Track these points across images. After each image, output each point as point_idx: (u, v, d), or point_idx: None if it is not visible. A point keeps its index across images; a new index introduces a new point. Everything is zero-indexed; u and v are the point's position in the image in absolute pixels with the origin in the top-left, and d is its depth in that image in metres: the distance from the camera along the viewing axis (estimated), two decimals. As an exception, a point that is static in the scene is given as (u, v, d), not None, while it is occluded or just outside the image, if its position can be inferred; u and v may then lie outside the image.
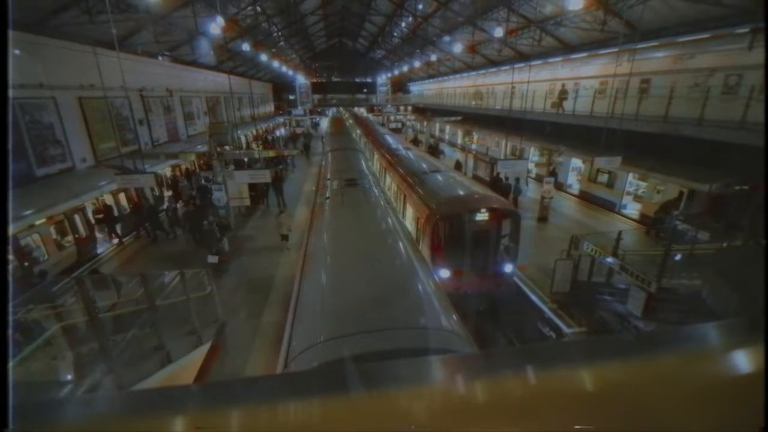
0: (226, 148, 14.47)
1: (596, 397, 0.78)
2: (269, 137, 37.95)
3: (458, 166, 22.59)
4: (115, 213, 13.82)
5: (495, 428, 0.70)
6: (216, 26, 18.20)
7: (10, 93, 0.84)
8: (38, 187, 11.81)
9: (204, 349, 6.32)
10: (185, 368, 5.63)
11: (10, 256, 8.70)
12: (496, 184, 16.50)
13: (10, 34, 0.87)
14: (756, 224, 8.60)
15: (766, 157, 3.98)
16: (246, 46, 26.13)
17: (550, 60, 23.29)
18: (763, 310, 0.86)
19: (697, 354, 0.92)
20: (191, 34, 21.49)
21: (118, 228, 13.64)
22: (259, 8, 26.10)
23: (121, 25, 15.81)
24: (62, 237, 11.86)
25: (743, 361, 0.88)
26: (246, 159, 19.05)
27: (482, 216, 9.12)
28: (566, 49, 22.00)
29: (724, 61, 13.09)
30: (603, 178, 17.24)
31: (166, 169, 18.80)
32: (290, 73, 46.97)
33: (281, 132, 43.84)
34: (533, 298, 9.75)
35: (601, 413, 0.73)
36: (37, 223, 10.51)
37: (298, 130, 44.64)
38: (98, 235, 13.24)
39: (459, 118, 31.79)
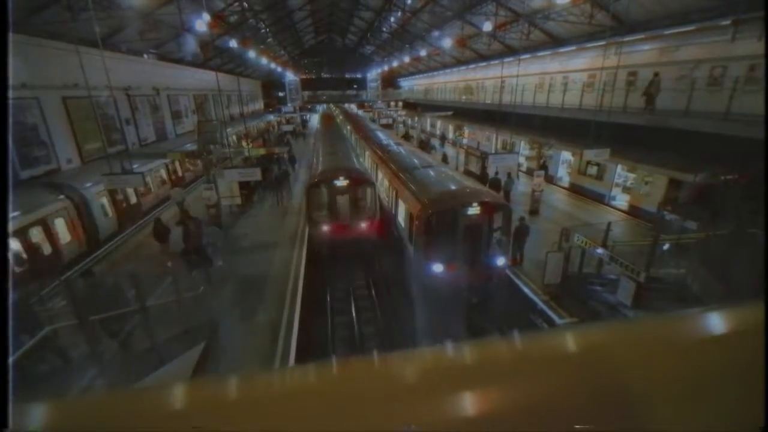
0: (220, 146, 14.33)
1: (579, 357, 0.84)
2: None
3: (444, 159, 22.68)
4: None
5: (484, 387, 0.74)
6: (202, 23, 17.90)
7: (10, 93, 0.84)
8: (22, 189, 11.55)
9: (198, 350, 6.28)
10: (180, 369, 5.60)
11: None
12: (487, 179, 16.60)
13: (10, 36, 0.87)
14: (739, 213, 8.78)
15: (766, 150, 4.02)
16: (233, 43, 25.78)
17: (539, 54, 23.39)
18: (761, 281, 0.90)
19: (675, 317, 0.98)
20: (177, 31, 21.13)
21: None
22: (245, 4, 25.74)
23: (105, 22, 15.48)
24: (48, 239, 11.61)
25: (722, 319, 0.93)
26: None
27: (474, 210, 9.18)
28: (555, 42, 22.12)
29: (709, 53, 13.29)
30: (592, 170, 17.43)
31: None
32: (279, 69, 46.44)
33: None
34: (525, 290, 9.87)
35: (583, 372, 0.77)
36: (23, 225, 10.29)
37: (286, 128, 38.42)
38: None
39: (450, 113, 31.77)
